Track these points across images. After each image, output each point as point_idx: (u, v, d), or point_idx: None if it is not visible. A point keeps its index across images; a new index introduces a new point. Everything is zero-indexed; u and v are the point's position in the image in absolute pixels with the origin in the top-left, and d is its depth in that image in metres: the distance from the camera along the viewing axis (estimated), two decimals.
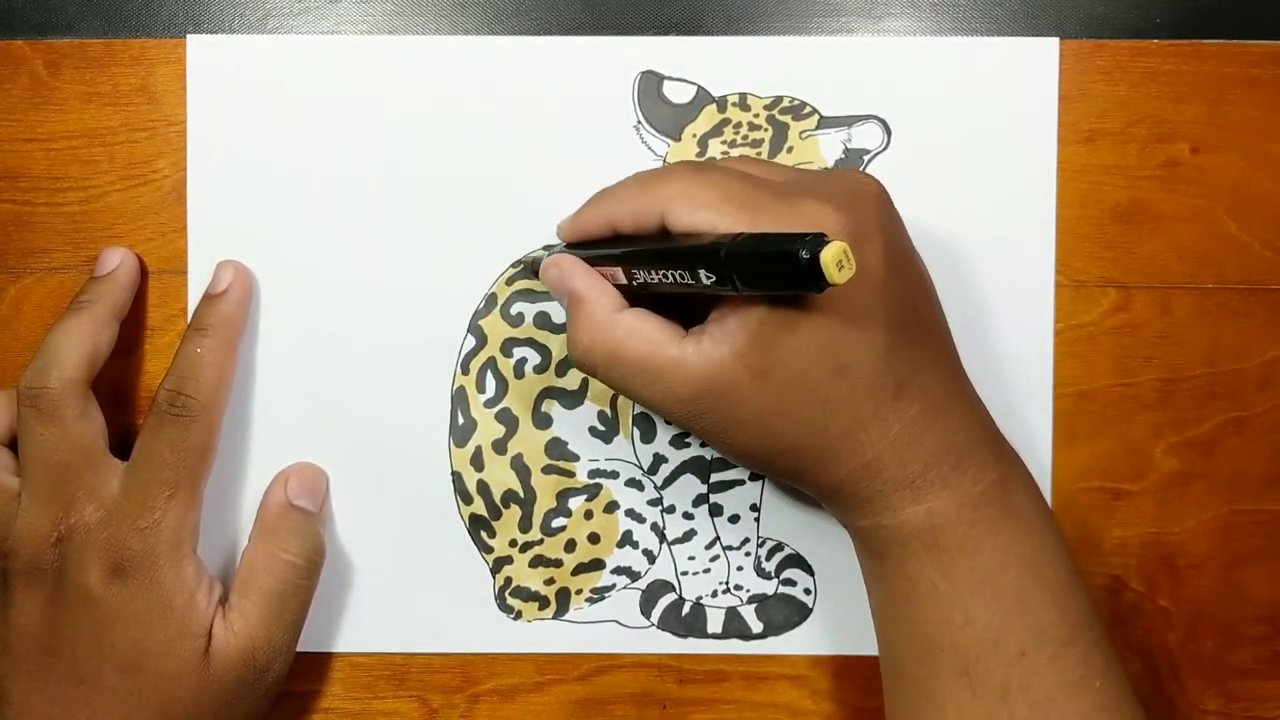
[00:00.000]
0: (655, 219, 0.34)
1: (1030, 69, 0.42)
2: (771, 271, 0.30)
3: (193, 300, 0.41)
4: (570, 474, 0.42)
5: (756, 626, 0.42)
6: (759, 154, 0.41)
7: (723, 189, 0.33)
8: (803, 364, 0.33)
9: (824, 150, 0.42)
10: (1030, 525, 0.35)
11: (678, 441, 0.42)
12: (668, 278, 0.33)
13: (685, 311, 0.35)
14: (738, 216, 0.33)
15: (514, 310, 0.42)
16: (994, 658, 0.34)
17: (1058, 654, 0.34)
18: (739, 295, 0.32)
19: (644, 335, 0.34)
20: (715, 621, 0.42)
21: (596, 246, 0.37)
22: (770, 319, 0.33)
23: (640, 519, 0.42)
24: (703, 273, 0.32)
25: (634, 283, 0.35)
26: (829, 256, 0.28)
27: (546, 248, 0.41)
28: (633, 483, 0.42)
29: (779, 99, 0.42)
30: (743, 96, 0.42)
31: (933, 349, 0.35)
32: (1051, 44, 0.42)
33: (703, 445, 0.42)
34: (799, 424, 0.34)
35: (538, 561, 0.42)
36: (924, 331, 0.35)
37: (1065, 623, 0.34)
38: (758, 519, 0.42)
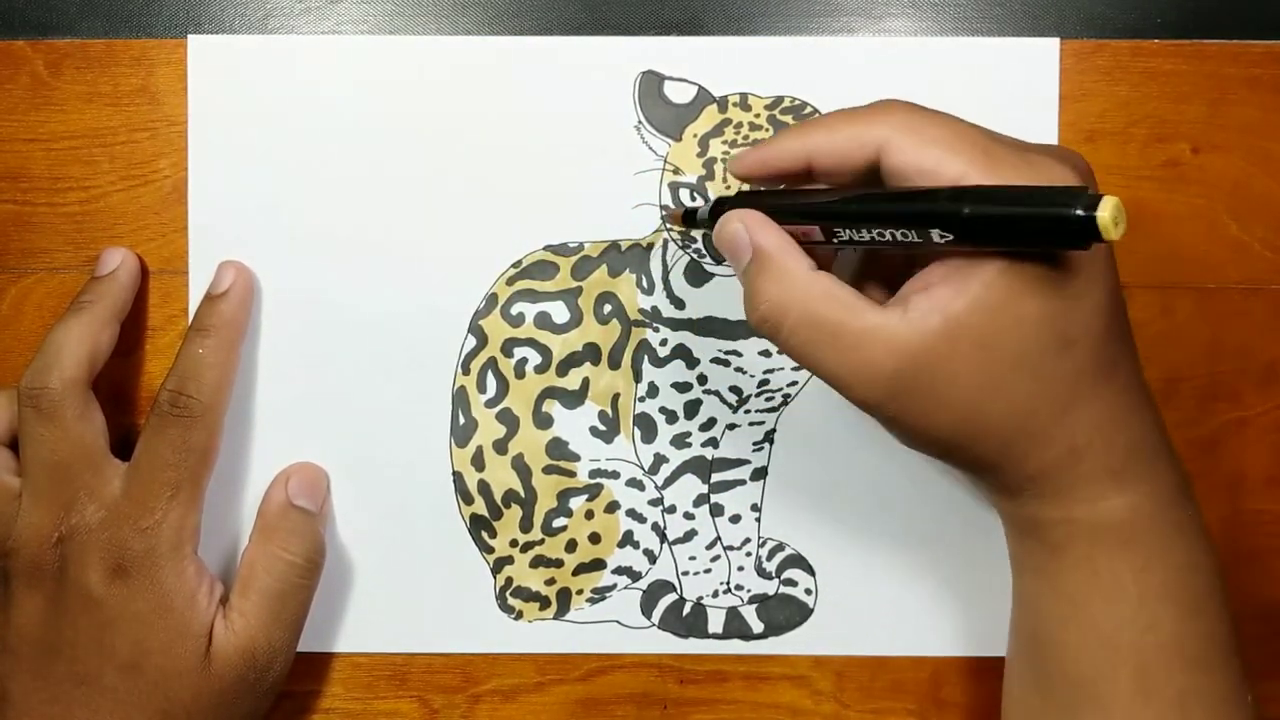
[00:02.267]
0: (867, 154, 0.31)
1: (1030, 69, 0.42)
2: (1030, 226, 0.28)
3: (193, 300, 0.41)
4: (571, 474, 0.42)
5: (757, 626, 0.42)
6: None
7: (954, 127, 0.31)
8: (1029, 333, 0.30)
9: None
10: (1203, 531, 0.34)
11: (678, 442, 0.42)
12: (884, 236, 0.30)
13: (870, 283, 0.33)
14: (972, 157, 0.30)
15: (514, 310, 0.42)
16: (1175, 663, 0.33)
17: (1226, 664, 0.33)
18: (950, 259, 0.30)
19: (841, 299, 0.31)
20: (716, 621, 0.42)
21: (778, 198, 0.34)
22: (997, 284, 0.30)
23: (641, 519, 0.42)
24: (935, 232, 0.29)
25: (834, 241, 0.32)
26: (1107, 211, 0.26)
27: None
28: (634, 483, 0.42)
29: (780, 99, 0.42)
30: (744, 96, 0.42)
31: (1129, 333, 0.33)
32: (1052, 44, 0.42)
33: (703, 445, 0.42)
34: (1014, 402, 0.31)
35: (538, 561, 0.42)
36: (1124, 313, 0.33)
37: (1230, 635, 0.34)
38: (759, 519, 0.42)
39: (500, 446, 0.42)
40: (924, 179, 0.30)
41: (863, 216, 0.31)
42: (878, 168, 0.32)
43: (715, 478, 0.42)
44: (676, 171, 0.42)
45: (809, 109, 0.42)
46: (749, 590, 0.42)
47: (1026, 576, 0.35)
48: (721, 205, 0.35)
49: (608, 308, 0.42)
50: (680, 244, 0.42)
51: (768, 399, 0.42)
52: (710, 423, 0.42)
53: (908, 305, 0.30)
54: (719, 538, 0.42)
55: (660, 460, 0.42)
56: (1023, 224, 0.28)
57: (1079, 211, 0.27)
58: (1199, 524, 0.34)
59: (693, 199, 0.41)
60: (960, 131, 0.31)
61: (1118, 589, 0.33)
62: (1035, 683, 0.36)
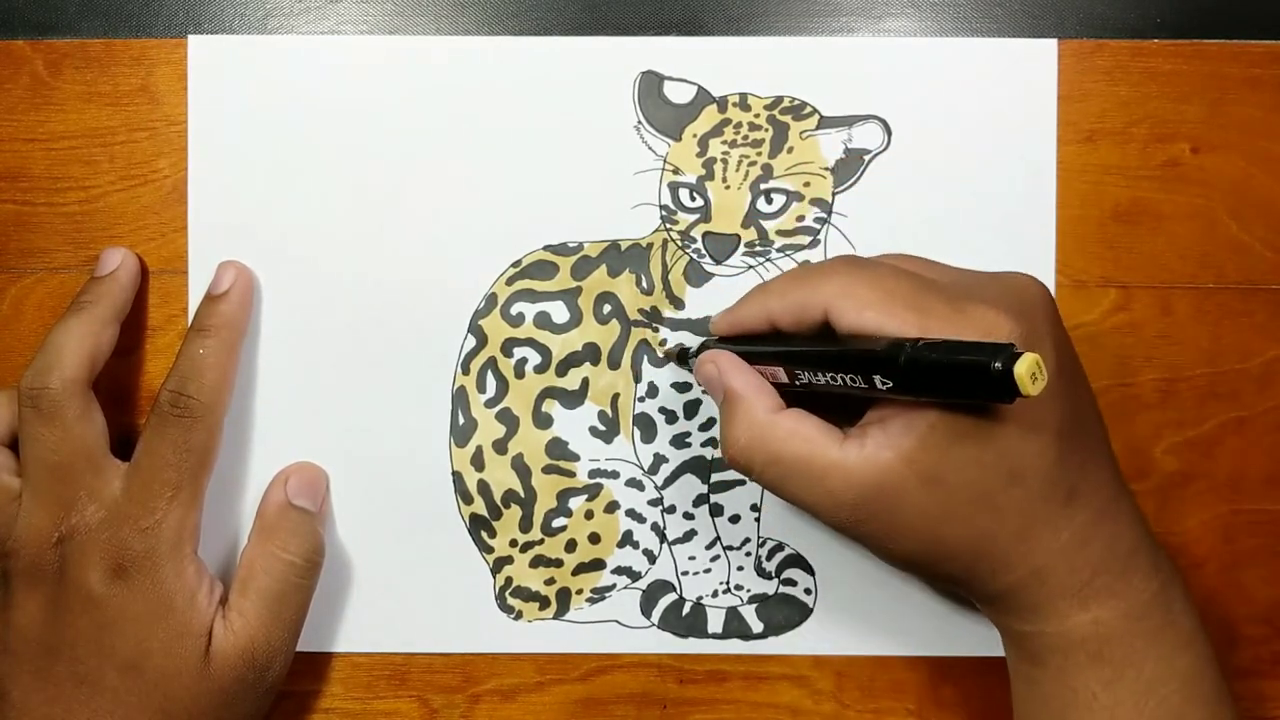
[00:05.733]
0: (817, 316, 0.34)
1: (1030, 69, 0.42)
2: (956, 381, 0.29)
3: (193, 300, 0.41)
4: (571, 474, 0.42)
5: (757, 626, 0.42)
6: (759, 154, 0.41)
7: (887, 288, 0.33)
8: (975, 471, 0.32)
9: (824, 150, 0.42)
10: (1189, 637, 0.35)
11: (678, 441, 0.42)
12: (836, 380, 0.33)
13: (838, 408, 0.34)
14: (904, 318, 0.32)
15: (514, 310, 0.42)
16: None
17: None
18: (906, 399, 0.32)
19: (803, 436, 0.34)
20: (716, 621, 0.42)
21: (753, 342, 0.37)
22: (941, 424, 0.32)
23: (641, 519, 0.42)
24: (878, 378, 0.31)
25: (796, 383, 0.35)
26: (1023, 369, 0.28)
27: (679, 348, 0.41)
28: (633, 483, 0.42)
29: (779, 99, 0.42)
30: (743, 96, 0.42)
31: (1097, 451, 0.35)
32: (1050, 45, 0.42)
33: (704, 445, 0.42)
34: (969, 530, 0.33)
35: (538, 561, 0.42)
36: (1089, 434, 0.35)
37: None
38: (758, 519, 0.42)
39: (500, 446, 0.42)
40: (867, 338, 0.32)
41: (816, 362, 0.33)
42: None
43: (715, 478, 0.42)
44: (676, 171, 0.42)
45: (808, 109, 0.42)
46: (748, 590, 0.42)
47: (1016, 681, 0.37)
48: (706, 346, 0.39)
49: (607, 308, 0.42)
50: (680, 244, 0.42)
51: None
52: (710, 423, 0.42)
53: (865, 439, 0.33)
54: (718, 537, 0.42)
55: (660, 460, 0.42)
56: (950, 377, 0.30)
57: (997, 366, 0.28)
58: (1184, 628, 0.35)
59: (692, 199, 0.41)
60: (894, 291, 0.33)
61: (1090, 699, 0.34)
62: None
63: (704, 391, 0.42)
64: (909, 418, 0.32)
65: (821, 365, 0.33)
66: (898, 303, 0.32)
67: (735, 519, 0.42)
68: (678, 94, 0.42)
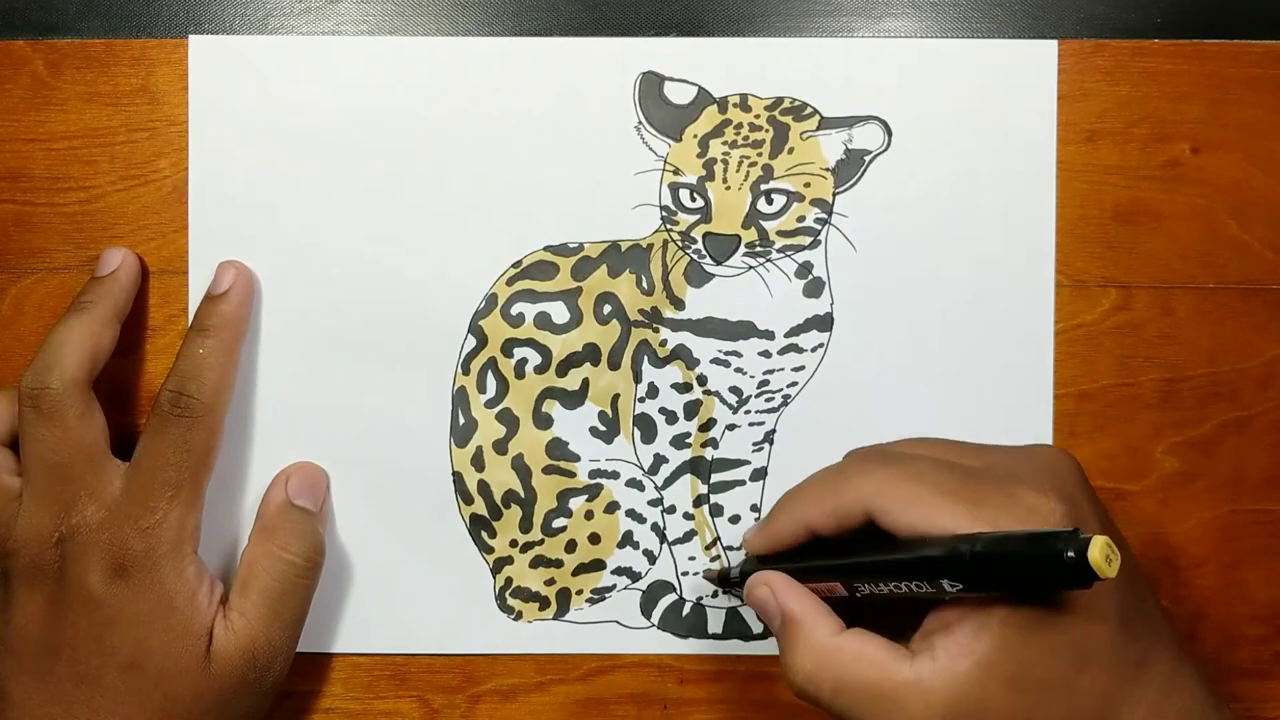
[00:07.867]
0: (858, 518, 0.33)
1: (1030, 70, 0.42)
2: (1029, 573, 0.29)
3: (193, 300, 0.41)
4: (571, 474, 0.42)
5: (757, 627, 0.42)
6: (759, 154, 0.41)
7: (929, 481, 0.32)
8: (1051, 662, 0.31)
9: (825, 151, 0.42)
10: None
11: (678, 442, 0.42)
12: (900, 588, 0.32)
13: (890, 613, 0.34)
14: (955, 510, 0.31)
15: (514, 310, 0.42)
16: None
17: None
18: (973, 597, 0.31)
19: (870, 659, 0.32)
20: (716, 622, 0.42)
21: (800, 557, 0.36)
22: (1011, 620, 0.31)
23: (641, 519, 0.42)
24: (945, 582, 0.31)
25: (857, 595, 0.34)
26: (1097, 553, 0.28)
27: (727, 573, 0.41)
28: (633, 483, 0.42)
29: (780, 99, 0.42)
30: (744, 97, 0.42)
31: (1151, 612, 0.34)
32: (1050, 45, 0.42)
33: (703, 446, 0.42)
34: None
35: (538, 562, 0.42)
36: (1142, 597, 0.34)
37: None
38: (758, 519, 0.42)
39: (500, 447, 0.42)
40: (918, 536, 0.32)
41: (876, 573, 0.33)
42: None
43: (715, 478, 0.42)
44: (676, 172, 0.42)
45: (809, 109, 0.42)
46: None
47: None
48: (748, 567, 0.38)
49: (607, 308, 0.42)
50: (680, 244, 0.42)
51: (767, 400, 0.42)
52: (710, 423, 0.42)
53: (934, 651, 0.32)
54: (719, 538, 0.42)
55: (660, 460, 0.42)
56: (1022, 570, 0.29)
57: (1070, 554, 0.28)
58: None
59: (692, 199, 0.41)
60: (938, 484, 0.32)
61: None
62: None
63: (689, 392, 0.42)
64: (978, 619, 0.31)
65: (883, 575, 0.33)
66: (943, 495, 0.32)
67: (735, 519, 0.42)
68: (678, 94, 0.42)
